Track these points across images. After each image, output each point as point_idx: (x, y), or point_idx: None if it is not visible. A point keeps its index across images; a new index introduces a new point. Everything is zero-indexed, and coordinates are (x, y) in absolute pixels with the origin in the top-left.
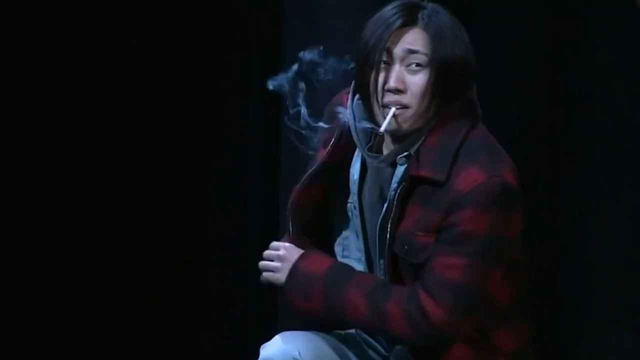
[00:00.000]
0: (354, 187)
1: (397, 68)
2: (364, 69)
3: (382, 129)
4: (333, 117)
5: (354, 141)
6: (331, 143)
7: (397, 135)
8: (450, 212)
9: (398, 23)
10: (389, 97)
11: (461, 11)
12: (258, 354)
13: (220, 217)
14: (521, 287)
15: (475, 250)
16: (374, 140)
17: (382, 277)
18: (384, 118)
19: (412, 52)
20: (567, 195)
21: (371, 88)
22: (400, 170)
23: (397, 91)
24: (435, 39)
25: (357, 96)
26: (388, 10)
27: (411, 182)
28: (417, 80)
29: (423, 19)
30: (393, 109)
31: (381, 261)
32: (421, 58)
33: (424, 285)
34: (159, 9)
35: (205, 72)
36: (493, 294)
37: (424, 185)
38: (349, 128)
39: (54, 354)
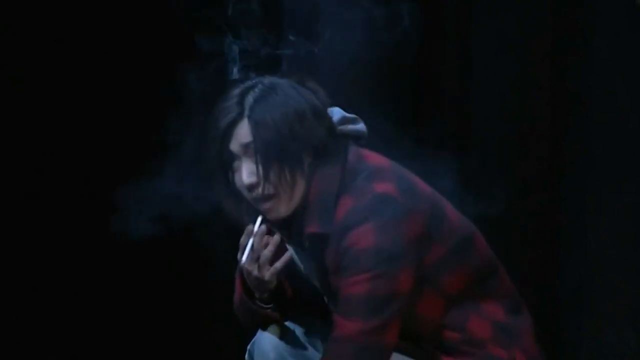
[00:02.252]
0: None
1: (245, 163)
2: (216, 171)
3: (244, 254)
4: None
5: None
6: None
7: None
8: (338, 244)
9: (225, 122)
10: (253, 194)
11: (461, 11)
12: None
13: (220, 216)
14: (474, 268)
15: (370, 264)
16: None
17: None
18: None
19: (246, 146)
20: (567, 195)
21: (236, 188)
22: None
23: (253, 186)
24: (258, 125)
25: None
26: (220, 105)
27: (312, 239)
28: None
29: (249, 107)
30: (259, 220)
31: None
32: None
33: (335, 313)
34: (158, 8)
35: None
36: (438, 281)
37: (321, 238)
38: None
39: (54, 354)
